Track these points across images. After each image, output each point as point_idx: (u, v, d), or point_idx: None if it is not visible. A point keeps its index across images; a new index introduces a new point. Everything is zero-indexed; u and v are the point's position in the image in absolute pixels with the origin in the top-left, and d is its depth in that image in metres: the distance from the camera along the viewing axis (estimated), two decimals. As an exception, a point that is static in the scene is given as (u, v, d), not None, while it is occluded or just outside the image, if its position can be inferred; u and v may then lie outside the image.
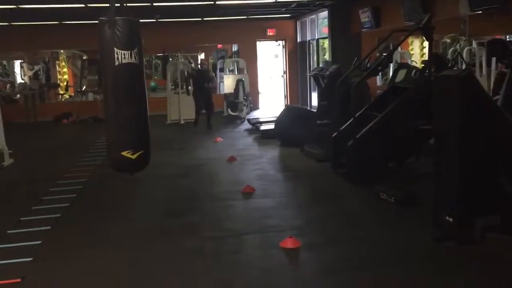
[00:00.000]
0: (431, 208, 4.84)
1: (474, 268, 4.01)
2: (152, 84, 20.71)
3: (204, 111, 12.01)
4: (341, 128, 7.15)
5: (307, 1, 11.67)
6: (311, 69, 13.41)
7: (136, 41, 4.23)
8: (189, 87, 12.57)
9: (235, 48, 18.65)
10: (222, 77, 15.65)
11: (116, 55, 4.13)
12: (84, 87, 15.65)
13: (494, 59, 9.96)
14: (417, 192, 5.67)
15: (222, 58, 19.01)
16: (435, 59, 7.88)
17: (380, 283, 3.84)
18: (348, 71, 7.69)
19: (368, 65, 9.11)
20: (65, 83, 18.05)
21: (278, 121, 10.01)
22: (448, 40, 15.07)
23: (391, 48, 11.52)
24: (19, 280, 4.03)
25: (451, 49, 14.39)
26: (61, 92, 17.52)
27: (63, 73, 18.36)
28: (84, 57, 18.05)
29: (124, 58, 4.15)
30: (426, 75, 7.11)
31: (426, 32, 6.79)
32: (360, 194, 6.14)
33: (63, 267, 4.32)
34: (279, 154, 8.86)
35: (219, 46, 20.40)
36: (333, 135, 7.21)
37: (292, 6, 12.34)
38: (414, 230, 4.89)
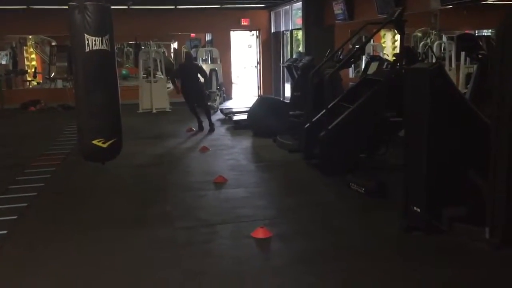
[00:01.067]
0: (400, 199, 4.95)
1: (440, 258, 4.11)
2: (124, 72, 20.36)
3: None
4: (313, 119, 7.19)
5: (281, -8, 11.67)
6: (285, 60, 13.42)
7: (108, 28, 4.15)
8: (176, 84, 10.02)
9: (208, 37, 18.51)
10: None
11: (86, 41, 4.04)
12: (53, 74, 15.29)
13: (463, 53, 10.19)
14: (386, 183, 5.76)
15: (195, 47, 18.83)
16: (406, 52, 7.99)
17: (350, 272, 3.89)
18: (321, 63, 7.72)
19: (341, 57, 9.17)
20: (33, 70, 17.60)
21: (251, 112, 10.01)
22: (420, 34, 15.30)
23: (363, 40, 11.59)
24: (-16, 270, 3.95)
25: (422, 43, 14.63)
26: (29, 78, 17.09)
27: (31, 59, 17.89)
28: (53, 43, 17.63)
29: (95, 44, 4.07)
30: (397, 67, 7.21)
31: (398, 25, 6.84)
32: (331, 184, 6.20)
33: (31, 258, 4.24)
34: (251, 145, 8.86)
35: (193, 35, 20.21)
36: (306, 126, 7.25)
37: (266, -4, 12.31)
38: (383, 220, 4.97)
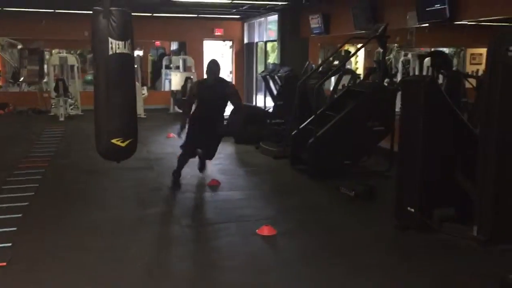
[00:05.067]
0: (388, 201, 5.37)
1: (429, 253, 4.48)
2: (88, 78, 20.17)
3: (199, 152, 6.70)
4: (300, 127, 7.53)
5: (259, 4, 12.03)
6: (260, 71, 13.77)
7: (129, 32, 4.33)
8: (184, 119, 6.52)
9: (174, 46, 18.67)
10: (167, 74, 15.70)
11: (110, 45, 4.21)
12: (22, 78, 14.99)
13: (425, 68, 10.88)
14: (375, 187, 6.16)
15: (162, 55, 18.88)
16: (379, 66, 8.55)
17: (354, 266, 4.20)
18: (307, 74, 8.10)
19: (320, 70, 9.60)
20: (-5, 73, 17.13)
21: (230, 119, 10.25)
22: (382, 50, 16.08)
23: (342, 54, 12.08)
24: (4, 264, 4.01)
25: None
26: (-10, 81, 16.64)
27: (-8, 62, 17.41)
28: (19, 46, 17.27)
29: (118, 48, 4.24)
30: (378, 81, 7.72)
31: (381, 40, 7.35)
32: (321, 188, 6.56)
33: (42, 255, 4.32)
34: (235, 151, 9.11)
35: (157, 43, 20.23)
36: (293, 133, 7.59)
37: (243, 8, 12.64)
38: (375, 220, 5.35)
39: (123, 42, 4.29)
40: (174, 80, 14.23)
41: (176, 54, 17.30)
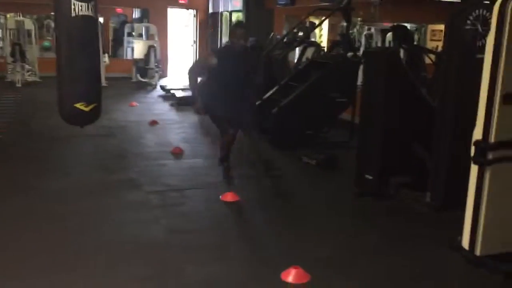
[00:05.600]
0: (348, 170, 5.54)
1: (387, 218, 4.69)
2: (46, 44, 19.52)
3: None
4: (264, 97, 7.59)
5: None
6: (224, 41, 13.69)
7: (93, -6, 4.25)
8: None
9: (137, 14, 18.18)
10: (130, 42, 15.37)
11: (73, 7, 4.13)
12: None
13: (390, 43, 11.07)
14: (336, 156, 6.32)
15: (123, 22, 18.39)
16: (343, 39, 8.66)
17: (315, 228, 4.36)
18: (273, 44, 8.13)
19: (285, 41, 9.64)
20: None
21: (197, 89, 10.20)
22: (345, 24, 16.22)
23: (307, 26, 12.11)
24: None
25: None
26: None
27: None
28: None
29: (81, 10, 4.17)
30: (343, 53, 7.83)
31: (345, 12, 7.44)
32: (283, 157, 6.68)
33: (5, 221, 4.28)
34: (199, 120, 9.09)
35: (119, 10, 19.66)
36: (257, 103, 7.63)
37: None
38: (336, 187, 5.53)
39: (86, 4, 4.22)
40: (137, 49, 13.95)
41: (138, 21, 16.92)
